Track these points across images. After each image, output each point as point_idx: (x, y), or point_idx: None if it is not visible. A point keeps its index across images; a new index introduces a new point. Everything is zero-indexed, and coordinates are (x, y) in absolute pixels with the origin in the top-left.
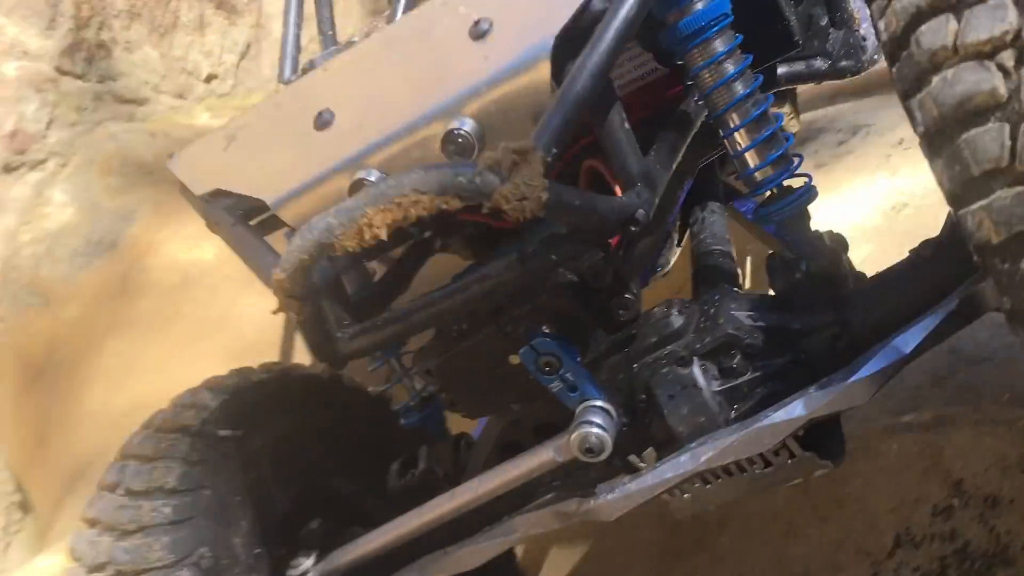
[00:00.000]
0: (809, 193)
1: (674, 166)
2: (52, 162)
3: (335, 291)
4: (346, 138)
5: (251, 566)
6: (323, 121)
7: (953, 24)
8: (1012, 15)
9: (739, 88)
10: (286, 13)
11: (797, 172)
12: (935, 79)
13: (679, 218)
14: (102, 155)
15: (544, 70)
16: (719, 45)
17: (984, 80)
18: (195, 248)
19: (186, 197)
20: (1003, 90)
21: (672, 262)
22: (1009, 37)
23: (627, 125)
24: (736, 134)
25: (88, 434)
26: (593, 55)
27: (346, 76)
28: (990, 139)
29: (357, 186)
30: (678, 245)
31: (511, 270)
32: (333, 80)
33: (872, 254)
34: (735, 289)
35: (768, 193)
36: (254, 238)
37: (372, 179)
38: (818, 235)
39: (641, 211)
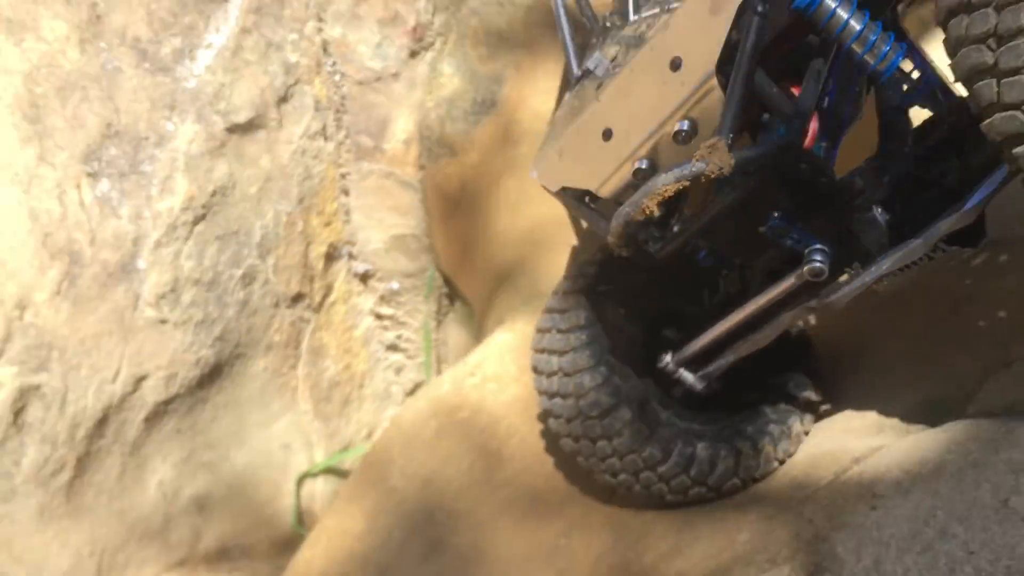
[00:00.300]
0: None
1: (822, 83)
2: (438, 42)
3: (643, 228)
4: (623, 144)
5: (636, 361)
6: (607, 135)
7: None
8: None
9: (855, 26)
10: (558, 19)
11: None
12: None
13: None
14: (470, 29)
15: (714, 84)
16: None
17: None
18: (551, 101)
19: (546, 191)
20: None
21: (863, 109)
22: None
23: (775, 88)
24: (864, 57)
25: (501, 248)
26: (739, 69)
27: (612, 105)
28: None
29: (637, 172)
30: (867, 93)
31: (730, 196)
32: (606, 109)
33: None
34: (902, 147)
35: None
36: (590, 211)
37: (643, 166)
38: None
39: (797, 139)
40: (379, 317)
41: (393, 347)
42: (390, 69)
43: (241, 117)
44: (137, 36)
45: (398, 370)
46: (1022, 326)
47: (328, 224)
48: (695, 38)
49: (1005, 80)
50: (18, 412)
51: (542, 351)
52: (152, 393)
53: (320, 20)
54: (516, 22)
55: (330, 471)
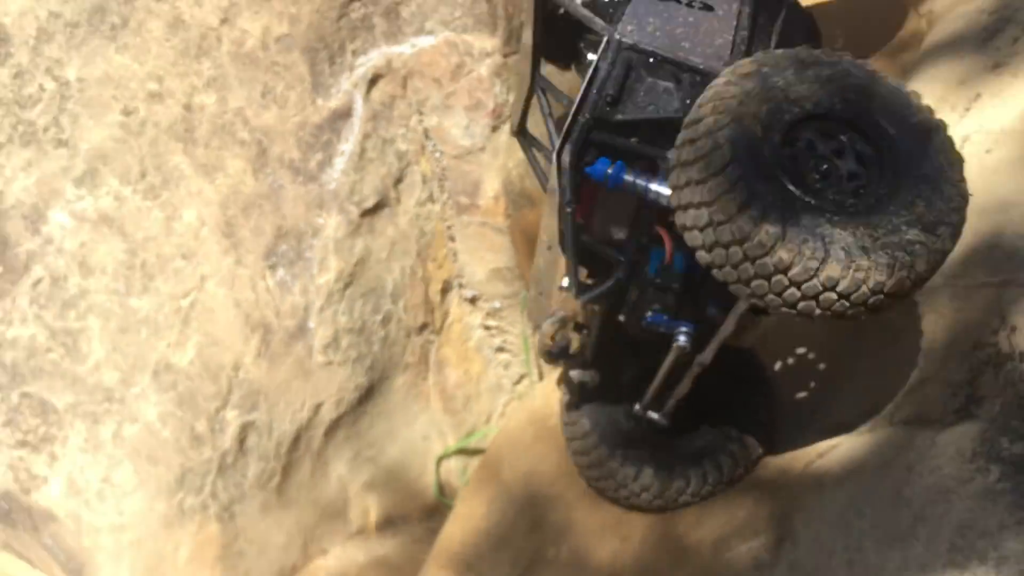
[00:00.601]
0: None
1: (642, 226)
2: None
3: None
4: (546, 298)
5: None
6: (541, 293)
7: None
8: None
9: (642, 185)
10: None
11: None
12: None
13: None
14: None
15: (563, 259)
16: (627, 180)
17: None
18: None
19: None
20: None
21: None
22: None
23: (604, 248)
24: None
25: None
26: (567, 248)
27: (536, 272)
28: None
29: (552, 315)
30: None
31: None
32: (535, 274)
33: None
34: None
35: None
36: None
37: (560, 315)
38: None
39: (623, 275)
40: (487, 328)
41: (500, 349)
42: (477, 144)
43: (370, 202)
44: (292, 158)
45: (506, 366)
46: (932, 353)
47: (441, 266)
48: (551, 229)
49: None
50: (241, 441)
51: (574, 453)
52: (327, 414)
53: (420, 113)
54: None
55: (460, 452)
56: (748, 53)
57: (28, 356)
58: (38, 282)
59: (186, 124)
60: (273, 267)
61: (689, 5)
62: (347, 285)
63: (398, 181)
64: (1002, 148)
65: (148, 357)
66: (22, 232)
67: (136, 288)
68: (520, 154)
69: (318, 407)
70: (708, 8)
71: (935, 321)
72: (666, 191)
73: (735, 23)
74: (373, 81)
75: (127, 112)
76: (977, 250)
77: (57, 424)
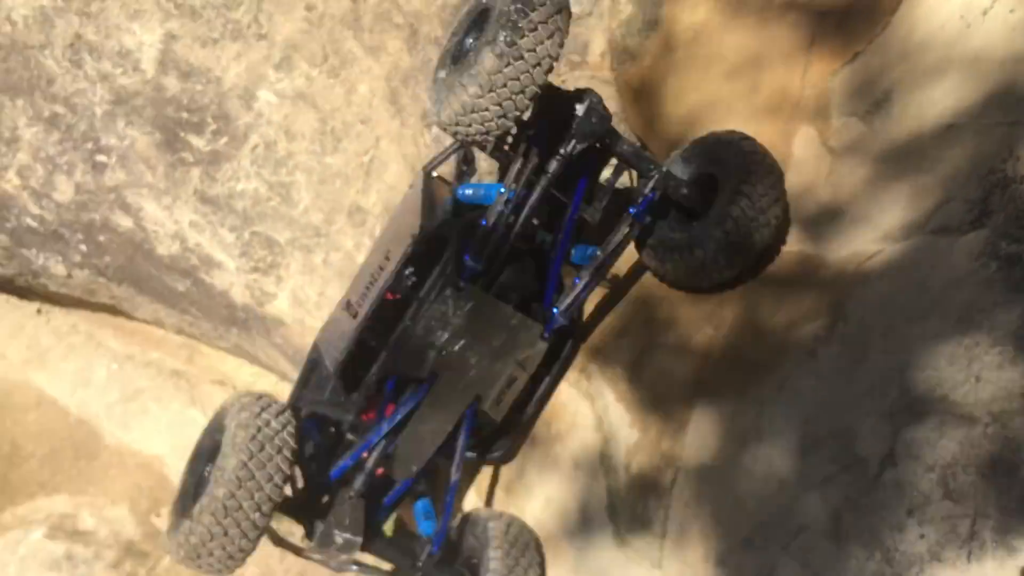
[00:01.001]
0: None
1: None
2: None
3: None
4: None
5: None
6: None
7: None
8: None
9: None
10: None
11: None
12: None
13: None
14: None
15: None
16: None
17: None
18: (699, 15)
19: None
20: None
21: None
22: None
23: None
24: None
25: (669, 124)
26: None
27: None
28: None
29: None
30: None
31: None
32: None
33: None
34: None
35: None
36: None
37: None
38: None
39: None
40: None
41: None
42: (586, 10)
43: None
44: (437, 35)
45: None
46: (956, 177)
47: None
48: None
49: None
50: None
51: None
52: None
53: None
54: None
55: None
56: (364, 347)
57: (254, 204)
58: (255, 147)
59: (354, 14)
60: (428, 127)
61: (350, 313)
62: None
63: None
64: (1021, 9)
65: (343, 202)
66: (239, 109)
67: (329, 149)
68: (622, 16)
69: None
70: (355, 314)
71: (960, 153)
72: None
73: (363, 324)
74: None
75: (309, 8)
76: (994, 95)
77: (280, 254)
